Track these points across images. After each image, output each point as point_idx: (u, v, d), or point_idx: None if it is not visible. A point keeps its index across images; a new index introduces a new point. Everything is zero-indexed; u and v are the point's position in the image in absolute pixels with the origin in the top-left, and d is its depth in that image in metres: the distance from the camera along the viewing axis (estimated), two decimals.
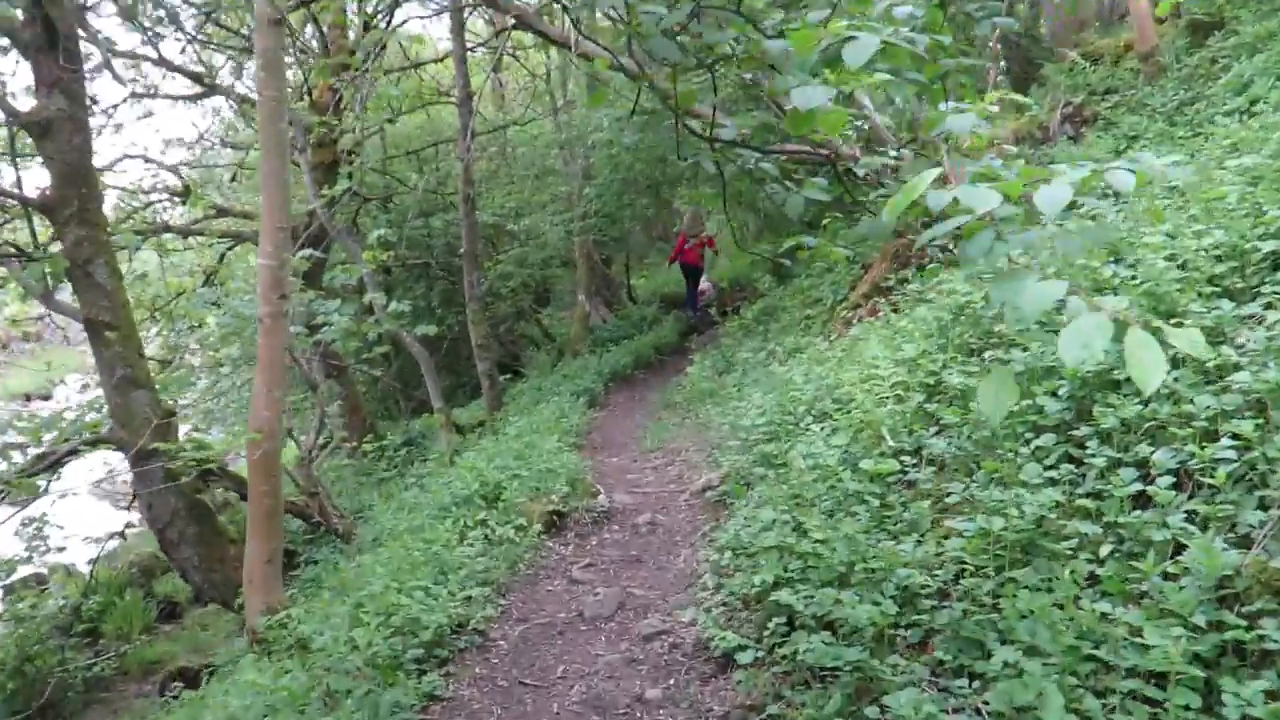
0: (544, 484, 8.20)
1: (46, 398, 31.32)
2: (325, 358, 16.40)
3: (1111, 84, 11.38)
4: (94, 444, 10.10)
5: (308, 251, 11.92)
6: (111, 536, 12.56)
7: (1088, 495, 4.57)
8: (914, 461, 5.84)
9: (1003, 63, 14.96)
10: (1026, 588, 4.22)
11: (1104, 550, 4.25)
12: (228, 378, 19.77)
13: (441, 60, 20.75)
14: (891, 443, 5.96)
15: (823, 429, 6.98)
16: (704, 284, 21.15)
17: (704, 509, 8.00)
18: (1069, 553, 4.31)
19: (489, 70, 21.48)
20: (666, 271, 26.86)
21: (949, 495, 5.30)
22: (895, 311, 9.18)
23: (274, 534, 6.64)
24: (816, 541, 5.35)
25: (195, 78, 17.51)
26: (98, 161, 11.71)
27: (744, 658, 4.97)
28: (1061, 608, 3.94)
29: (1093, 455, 4.71)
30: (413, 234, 22.15)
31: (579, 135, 17.78)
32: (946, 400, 6.15)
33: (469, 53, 17.03)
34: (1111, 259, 6.08)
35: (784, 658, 4.81)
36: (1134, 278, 5.63)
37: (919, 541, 5.15)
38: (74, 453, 10.84)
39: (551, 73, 21.02)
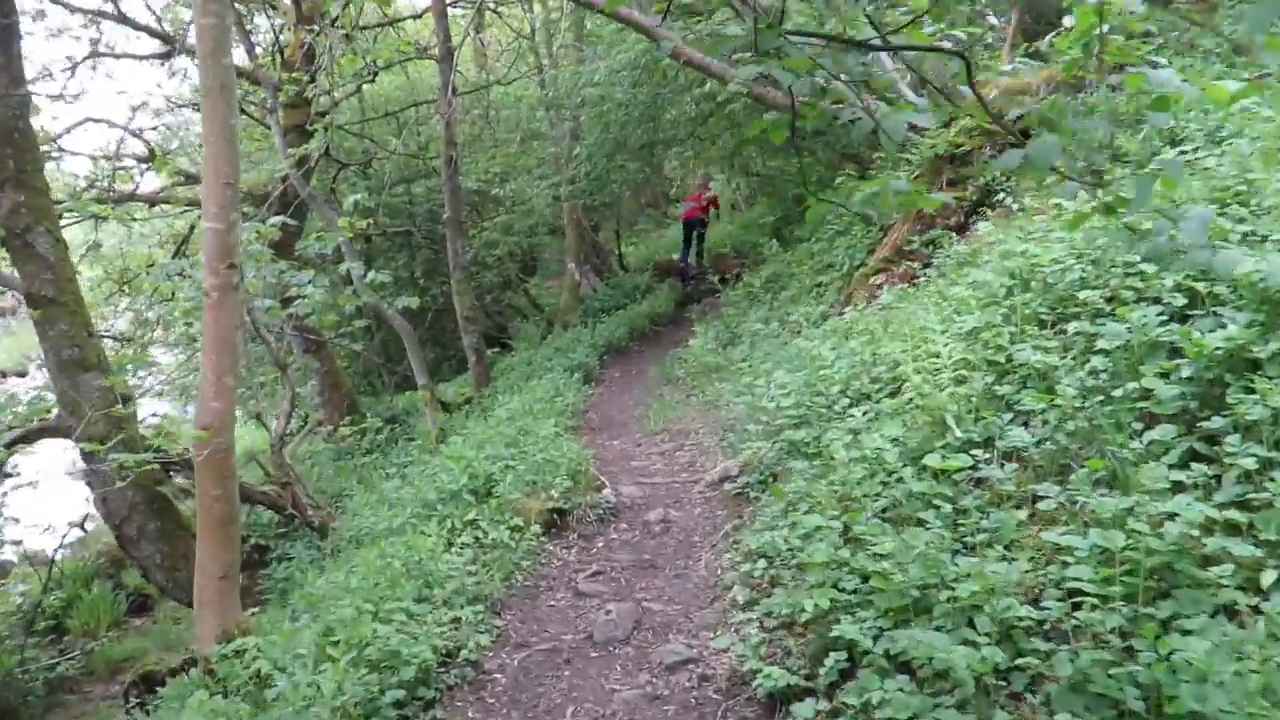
0: (542, 477, 7.19)
1: (22, 374, 30.06)
2: (302, 332, 15.41)
3: (1150, 26, 10.34)
4: (39, 434, 9.06)
5: (278, 218, 10.92)
6: (73, 526, 11.58)
7: (1232, 504, 3.61)
8: (985, 455, 4.85)
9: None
10: (1175, 629, 3.26)
11: (1267, 578, 3.30)
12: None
13: (420, 16, 19.58)
14: (959, 433, 4.96)
15: (864, 414, 5.98)
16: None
17: (723, 503, 7.01)
18: (1220, 581, 3.36)
19: (469, 28, 20.32)
20: (658, 238, 25.81)
21: (1040, 500, 4.33)
22: (931, 276, 8.18)
23: (228, 545, 5.62)
24: (878, 556, 4.37)
25: (161, 37, 16.33)
26: (56, 127, 10.73)
27: (803, 711, 3.97)
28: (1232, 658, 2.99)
29: (1234, 453, 3.73)
30: (393, 201, 21.07)
31: (567, 93, 16.63)
32: (1018, 381, 5.16)
33: (449, 7, 15.88)
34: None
35: (851, 709, 3.83)
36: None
37: (1006, 558, 4.17)
38: (23, 440, 9.84)
39: (536, 30, 19.85)
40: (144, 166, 17.51)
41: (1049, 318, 5.49)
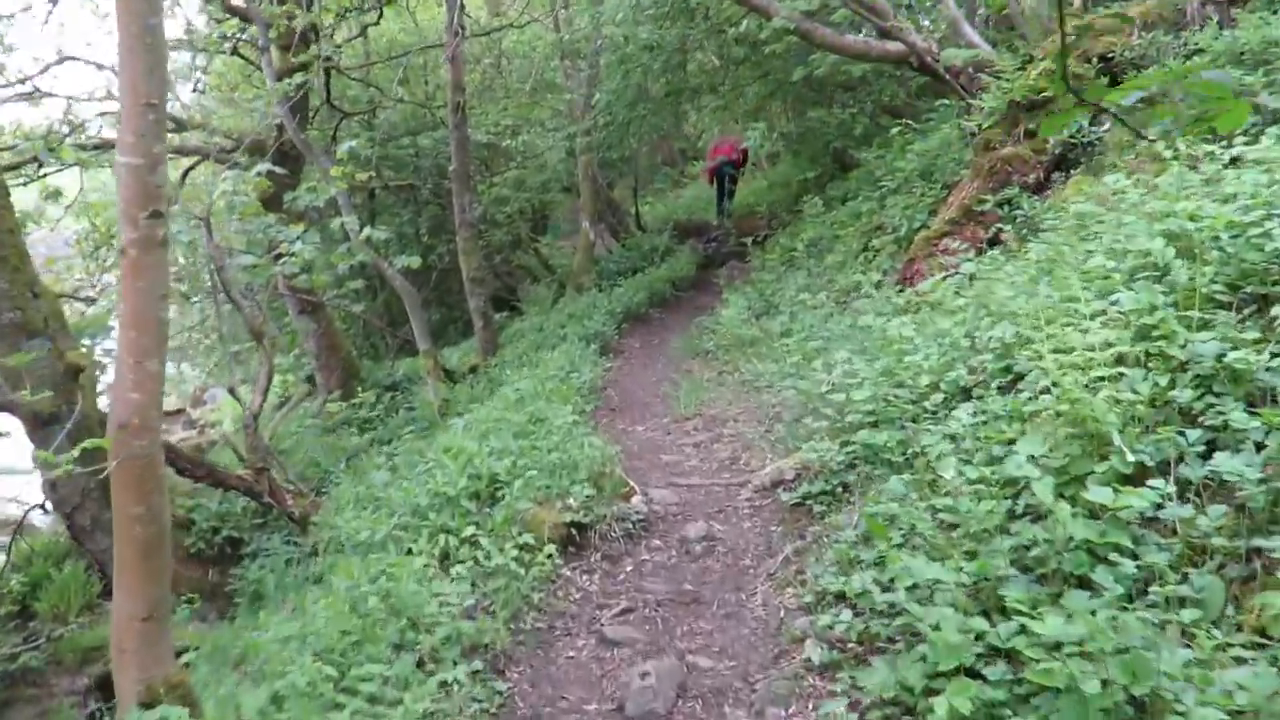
0: (557, 481, 5.81)
1: None
2: (295, 292, 14.08)
3: None
4: None
5: (263, 165, 9.59)
6: (32, 508, 10.31)
7: None
8: (1166, 487, 3.49)
9: None
10: None
11: None
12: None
13: None
14: (1130, 456, 3.59)
15: (972, 416, 4.62)
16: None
17: (777, 515, 5.66)
18: None
19: None
20: (674, 198, 24.38)
21: (1268, 552, 3.01)
22: (1024, 240, 6.79)
23: (154, 578, 4.27)
24: (1033, 635, 3.05)
25: None
26: (32, 67, 9.35)
27: None
28: None
29: None
30: (398, 153, 19.70)
31: (585, 36, 15.11)
32: (1197, 383, 3.80)
33: None
34: None
35: None
36: None
37: (1219, 644, 2.85)
38: None
39: None
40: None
41: (1228, 298, 4.12)
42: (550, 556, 5.15)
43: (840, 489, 5.30)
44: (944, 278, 7.01)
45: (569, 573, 5.29)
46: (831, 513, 5.20)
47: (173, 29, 19.02)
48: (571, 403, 8.02)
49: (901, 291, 8.44)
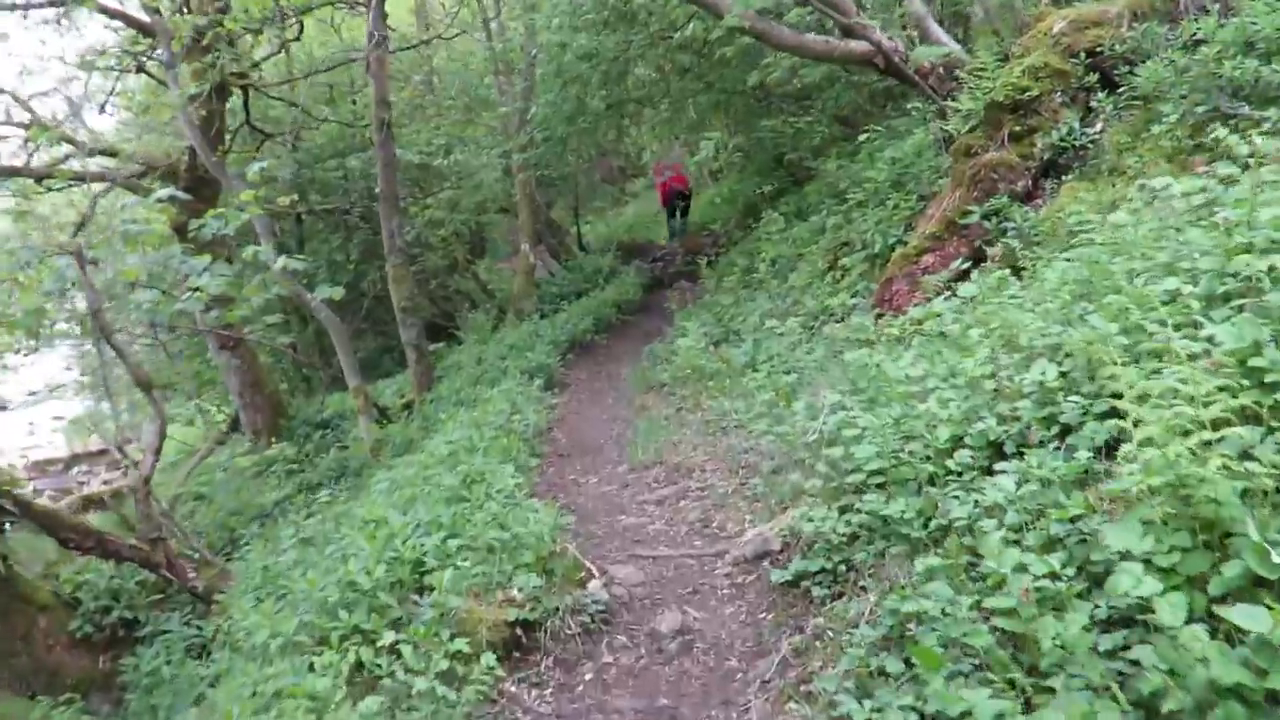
0: (498, 566, 4.72)
1: None
2: (212, 327, 12.91)
3: None
4: None
5: (166, 192, 8.56)
6: None
7: None
8: None
9: None
10: None
11: None
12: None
13: None
14: (1275, 555, 2.60)
15: (1017, 485, 3.63)
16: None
17: (765, 598, 4.61)
18: None
19: None
20: (615, 216, 23.47)
21: None
22: (1031, 257, 5.87)
23: None
24: None
25: None
26: None
27: None
28: None
29: None
30: (325, 176, 18.51)
31: (518, 47, 14.05)
32: None
33: None
34: None
35: None
36: None
37: None
38: None
39: None
40: (30, 140, 14.77)
41: None
42: (490, 669, 4.06)
43: (844, 568, 4.28)
44: (937, 300, 6.03)
45: (513, 687, 4.18)
46: (835, 599, 4.17)
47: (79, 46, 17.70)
48: (514, 456, 6.93)
49: (880, 316, 7.49)
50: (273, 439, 14.78)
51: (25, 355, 11.71)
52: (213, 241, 12.31)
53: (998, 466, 3.85)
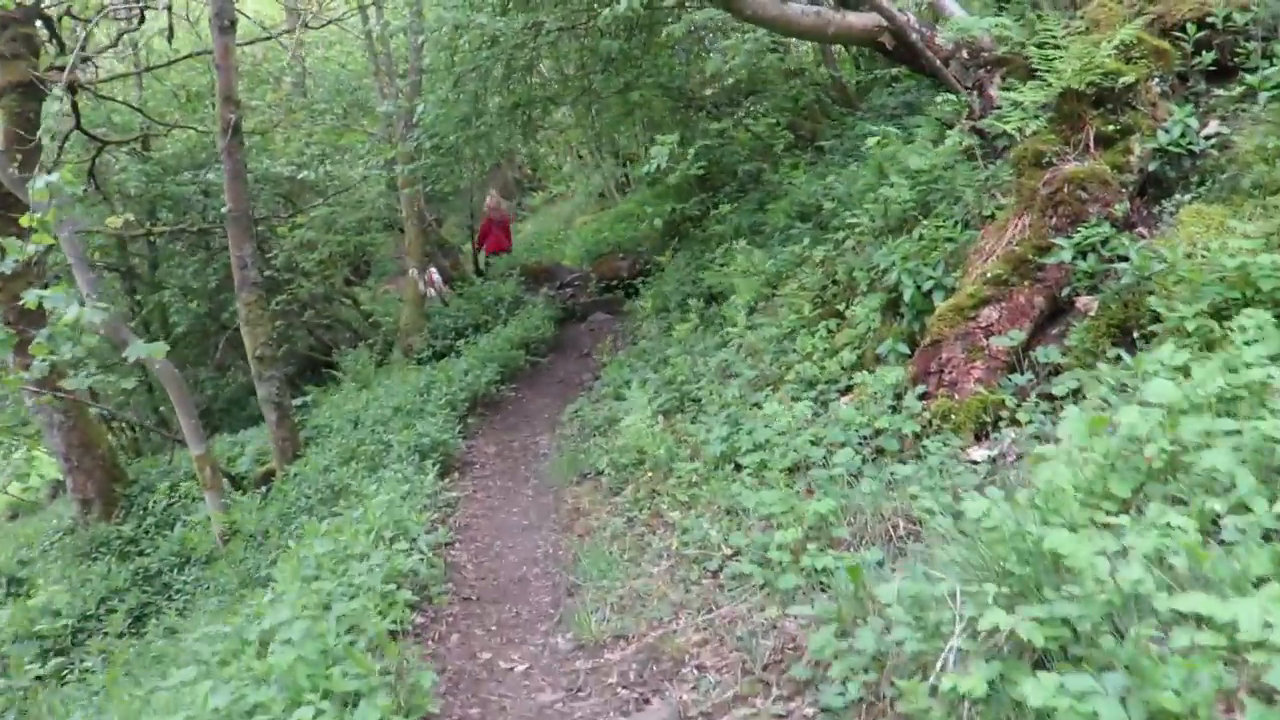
0: None
1: None
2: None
3: None
4: None
5: None
6: None
7: None
8: None
9: None
10: None
11: None
12: None
13: None
14: None
15: None
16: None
17: None
18: None
19: None
20: (516, 234, 20.95)
21: None
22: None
23: None
24: None
25: None
26: None
27: None
28: None
29: None
30: (179, 190, 15.49)
31: (401, 30, 11.29)
32: None
33: None
34: None
35: None
36: None
37: None
38: None
39: None
40: None
41: None
42: None
43: None
44: (1102, 413, 3.59)
45: None
46: None
47: None
48: (394, 615, 4.32)
49: (925, 396, 5.10)
50: (108, 508, 11.93)
51: None
52: (14, 276, 9.76)
53: None
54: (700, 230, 11.09)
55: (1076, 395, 4.60)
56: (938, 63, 6.36)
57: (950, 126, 6.64)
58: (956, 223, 5.80)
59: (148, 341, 17.71)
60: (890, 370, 5.45)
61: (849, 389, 6.01)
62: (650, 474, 6.26)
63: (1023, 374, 4.96)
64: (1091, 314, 4.94)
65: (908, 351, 5.62)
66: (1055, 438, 3.73)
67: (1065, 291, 5.05)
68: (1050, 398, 4.78)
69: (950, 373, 5.11)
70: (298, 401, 11.37)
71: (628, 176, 19.89)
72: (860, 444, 5.23)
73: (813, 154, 9.77)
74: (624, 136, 16.05)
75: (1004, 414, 4.81)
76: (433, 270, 15.57)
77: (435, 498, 6.74)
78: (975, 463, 4.67)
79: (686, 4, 8.79)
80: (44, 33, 12.75)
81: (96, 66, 14.62)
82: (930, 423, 4.94)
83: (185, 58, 13.03)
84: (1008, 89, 6.23)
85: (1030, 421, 4.62)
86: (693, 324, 7.87)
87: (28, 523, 16.29)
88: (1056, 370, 4.90)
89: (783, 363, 6.63)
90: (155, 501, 11.68)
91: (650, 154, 6.91)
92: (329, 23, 13.67)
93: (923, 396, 5.12)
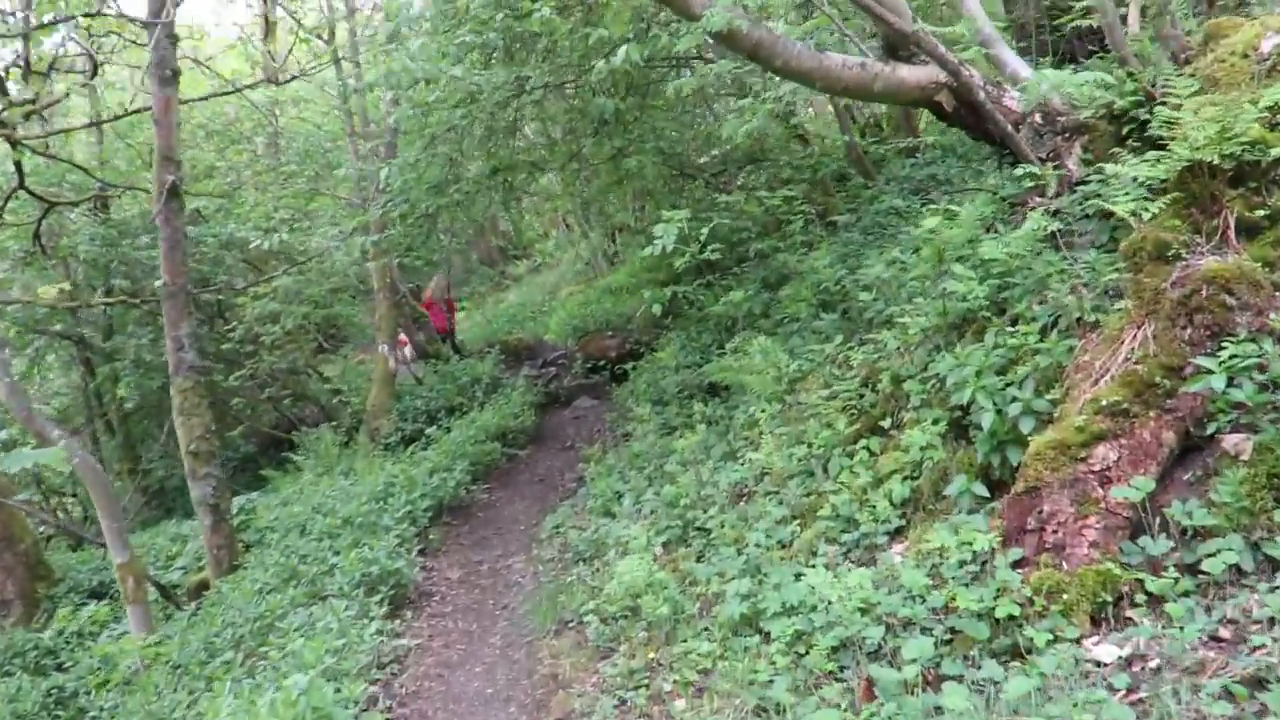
0: None
1: None
2: None
3: None
4: None
5: None
6: None
7: None
8: None
9: None
10: None
11: None
12: None
13: None
14: None
15: None
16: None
17: None
18: None
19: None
20: (495, 304, 19.75)
21: None
22: None
23: None
24: None
25: None
26: None
27: None
28: None
29: None
30: (136, 254, 14.17)
31: (372, 86, 9.96)
32: None
33: None
34: None
35: None
36: None
37: None
38: None
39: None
40: None
41: None
42: None
43: None
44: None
45: None
46: None
47: None
48: None
49: (1020, 564, 3.78)
50: (29, 610, 10.47)
51: None
52: None
53: None
54: (697, 310, 9.81)
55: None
56: (1008, 127, 5.11)
57: (1019, 205, 5.39)
58: (1044, 327, 4.50)
59: (98, 415, 16.14)
60: (965, 522, 4.13)
61: (900, 531, 4.70)
62: (649, 634, 4.90)
63: (1154, 537, 3.65)
64: (1245, 458, 3.66)
65: (986, 494, 4.30)
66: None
67: (1211, 429, 3.76)
68: (1196, 571, 3.50)
69: (1055, 532, 3.79)
70: (241, 500, 9.94)
71: (615, 244, 18.70)
72: (930, 619, 3.91)
73: (825, 231, 8.54)
74: (614, 205, 14.80)
75: (1132, 592, 3.53)
76: (404, 341, 14.36)
77: (378, 651, 5.33)
78: (1101, 664, 3.37)
79: (694, 60, 7.61)
80: None
81: (46, 120, 13.34)
82: (1030, 601, 3.63)
83: (131, 114, 11.71)
84: (1089, 161, 5.01)
85: (1171, 604, 3.35)
86: (700, 436, 6.51)
87: None
88: (1200, 533, 3.62)
89: (812, 490, 5.30)
90: (81, 604, 10.26)
91: (654, 232, 5.60)
92: (294, 77, 12.41)
93: (1018, 563, 3.80)
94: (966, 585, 3.89)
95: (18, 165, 11.57)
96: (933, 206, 5.56)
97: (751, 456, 5.81)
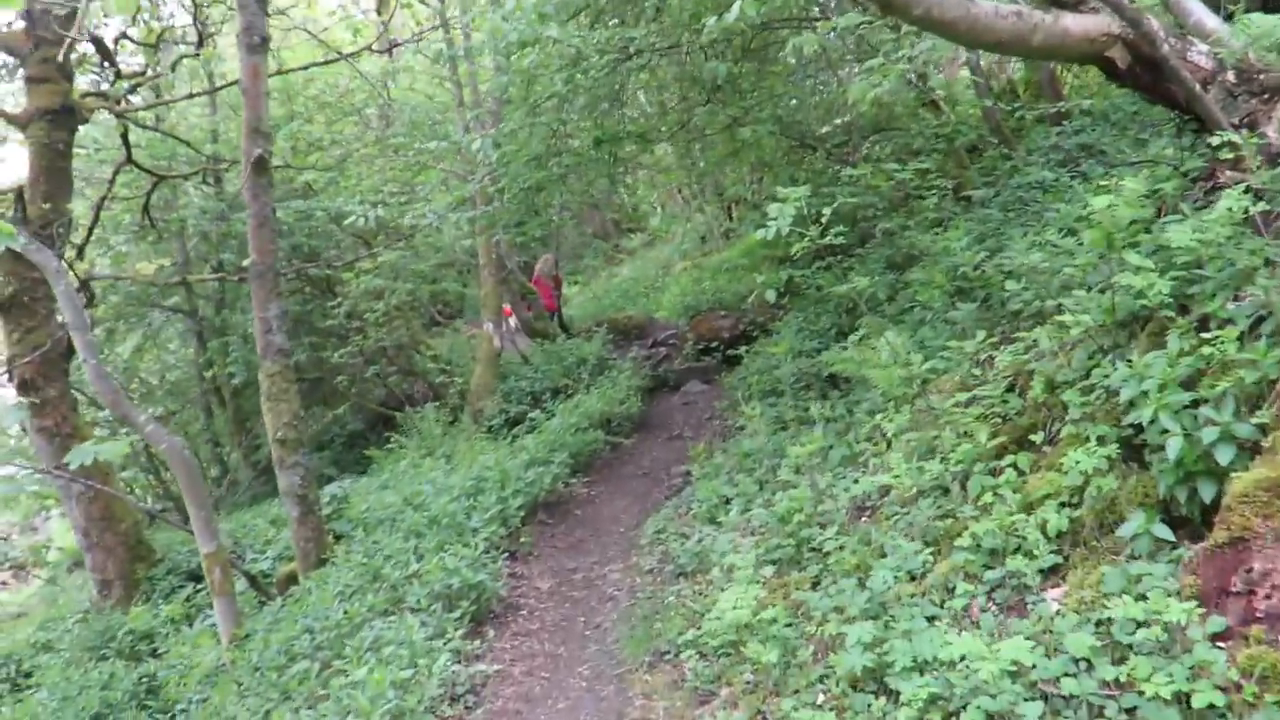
0: None
1: None
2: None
3: None
4: None
5: None
6: None
7: None
8: None
9: None
10: None
11: None
12: None
13: None
14: None
15: None
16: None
17: None
18: None
19: None
20: (609, 279, 19.18)
21: None
22: None
23: None
24: None
25: None
26: None
27: None
28: None
29: None
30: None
31: (476, 49, 9.35)
32: None
33: None
34: None
35: None
36: None
37: None
38: None
39: None
40: None
41: None
42: None
43: None
44: None
45: None
46: None
47: None
48: None
49: (1221, 634, 2.98)
50: (129, 591, 10.35)
51: None
52: None
53: None
54: (815, 290, 9.01)
55: None
56: (1195, 87, 4.22)
57: (1201, 181, 4.50)
58: (1243, 333, 3.64)
59: (211, 389, 16.04)
60: (1144, 572, 3.33)
61: (1054, 570, 3.91)
62: (755, 677, 4.22)
63: None
64: None
65: (1169, 536, 3.49)
66: None
67: None
68: None
69: (1269, 598, 2.97)
70: (334, 488, 9.54)
71: (731, 219, 17.90)
72: (1100, 694, 3.13)
73: (959, 208, 7.65)
74: (729, 178, 14.02)
75: None
76: (508, 311, 13.95)
77: (451, 682, 4.76)
78: None
79: (816, 21, 6.81)
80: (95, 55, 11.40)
81: (156, 92, 13.18)
82: (1238, 686, 2.83)
83: (225, 86, 11.40)
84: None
85: None
86: (818, 443, 5.75)
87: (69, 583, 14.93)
88: None
89: (948, 511, 4.53)
90: (179, 587, 10.11)
91: (769, 211, 4.86)
92: (395, 44, 11.93)
93: (1220, 635, 3.00)
94: (1148, 655, 3.10)
95: (124, 138, 11.42)
96: (1090, 182, 4.70)
97: (875, 463, 5.06)
